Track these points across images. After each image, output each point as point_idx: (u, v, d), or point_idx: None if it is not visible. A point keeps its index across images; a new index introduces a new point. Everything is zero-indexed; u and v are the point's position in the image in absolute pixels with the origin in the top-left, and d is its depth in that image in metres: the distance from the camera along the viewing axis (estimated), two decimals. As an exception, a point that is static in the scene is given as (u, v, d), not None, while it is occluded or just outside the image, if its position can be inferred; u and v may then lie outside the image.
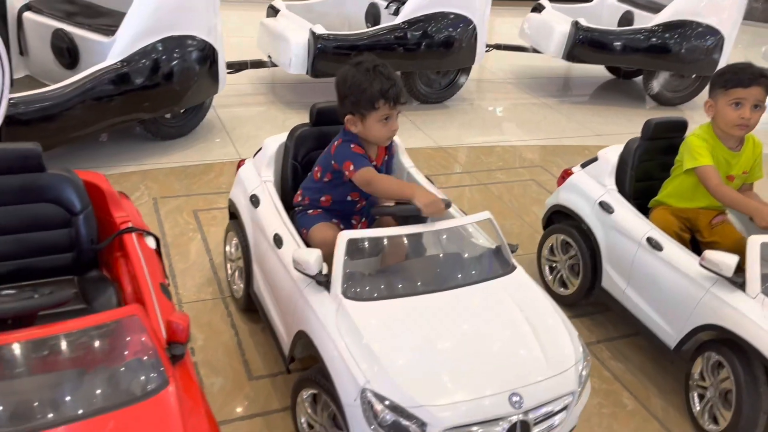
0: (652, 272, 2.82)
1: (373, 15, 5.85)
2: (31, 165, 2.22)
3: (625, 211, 3.01)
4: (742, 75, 2.78)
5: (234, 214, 2.95)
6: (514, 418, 1.94)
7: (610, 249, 3.05)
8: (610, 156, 3.20)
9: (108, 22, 4.19)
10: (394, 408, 1.89)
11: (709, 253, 2.54)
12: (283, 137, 2.85)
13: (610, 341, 3.13)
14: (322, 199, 2.59)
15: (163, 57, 4.14)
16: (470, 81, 6.13)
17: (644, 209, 3.07)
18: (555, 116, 5.99)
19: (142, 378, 1.67)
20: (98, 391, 1.64)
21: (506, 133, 5.58)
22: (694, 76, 6.24)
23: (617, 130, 5.72)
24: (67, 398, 1.61)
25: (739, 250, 2.55)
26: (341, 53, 5.08)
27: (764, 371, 2.40)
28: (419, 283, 2.25)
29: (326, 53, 5.08)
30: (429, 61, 5.52)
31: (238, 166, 3.04)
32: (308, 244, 2.51)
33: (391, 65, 2.48)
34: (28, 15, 4.42)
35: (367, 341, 2.00)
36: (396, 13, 5.47)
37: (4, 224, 2.20)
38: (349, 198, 2.59)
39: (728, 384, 2.49)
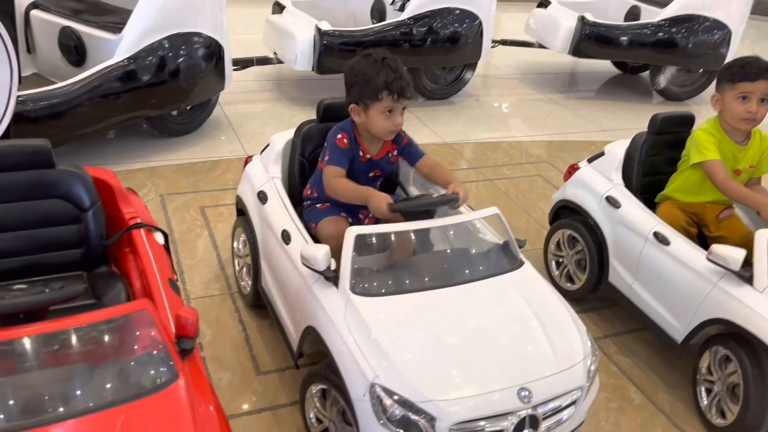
0: (659, 267, 2.81)
1: (378, 11, 5.84)
2: (40, 161, 2.24)
3: (632, 206, 3.01)
4: (749, 68, 2.77)
5: (242, 211, 2.96)
6: (523, 413, 1.95)
7: (617, 244, 3.05)
8: (617, 151, 3.19)
9: (115, 20, 4.21)
10: (403, 403, 1.90)
11: (716, 248, 2.53)
12: (290, 134, 2.86)
13: (617, 336, 3.13)
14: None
15: (170, 54, 4.15)
16: (476, 77, 6.12)
17: (651, 204, 3.06)
18: (561, 112, 5.97)
19: (152, 372, 1.68)
20: (109, 385, 1.65)
21: (512, 128, 5.58)
22: (701, 70, 6.22)
23: (624, 125, 5.70)
24: (78, 391, 1.62)
25: (747, 244, 2.55)
26: (347, 49, 5.08)
27: (772, 365, 2.40)
28: (427, 279, 2.25)
29: (332, 49, 5.08)
30: (435, 56, 5.51)
31: (246, 162, 3.05)
32: (316, 238, 2.52)
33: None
34: (35, 13, 4.44)
35: (376, 336, 2.01)
36: (401, 9, 5.47)
37: (14, 220, 2.22)
38: None
39: (736, 378, 2.48)
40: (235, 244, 3.10)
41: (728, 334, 2.55)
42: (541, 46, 6.45)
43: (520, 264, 2.37)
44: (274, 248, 2.61)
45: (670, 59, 6.03)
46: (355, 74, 2.43)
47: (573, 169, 3.38)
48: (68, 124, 3.79)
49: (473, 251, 2.41)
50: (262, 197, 2.76)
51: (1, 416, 1.53)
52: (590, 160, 3.34)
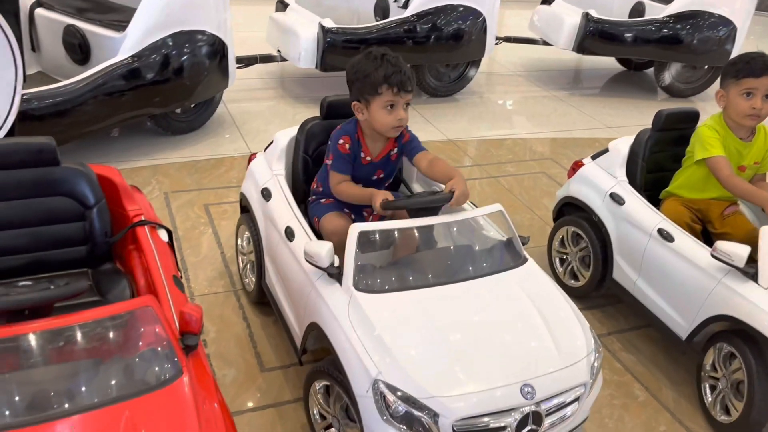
0: (664, 263, 2.81)
1: (382, 8, 5.84)
2: (45, 159, 2.25)
3: (636, 203, 3.00)
4: (754, 64, 2.76)
5: (246, 208, 2.96)
6: (526, 409, 1.94)
7: (621, 240, 3.04)
8: (621, 147, 3.19)
9: (119, 18, 4.22)
10: (407, 399, 1.90)
11: (720, 244, 2.53)
12: (293, 131, 2.86)
13: (622, 333, 3.12)
14: None
15: (174, 52, 4.16)
16: (480, 74, 6.12)
17: (655, 200, 3.06)
18: (565, 109, 5.96)
19: (157, 368, 1.69)
20: (113, 381, 1.66)
21: (516, 126, 5.57)
22: (706, 67, 6.20)
23: (628, 122, 5.69)
24: (83, 388, 1.63)
25: (751, 240, 2.54)
26: (350, 47, 5.08)
27: (776, 362, 2.40)
28: (431, 276, 2.25)
29: (335, 47, 5.09)
30: (438, 54, 5.51)
31: (250, 159, 3.06)
32: (319, 233, 2.52)
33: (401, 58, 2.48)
34: (39, 11, 4.45)
35: (379, 333, 2.02)
36: (405, 6, 5.47)
37: (19, 218, 2.23)
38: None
39: (740, 375, 2.48)
40: (239, 242, 3.11)
41: (733, 331, 2.55)
42: (545, 43, 6.44)
43: (524, 261, 2.36)
44: (277, 245, 2.62)
45: (675, 56, 6.01)
46: (356, 71, 2.44)
47: (577, 165, 3.38)
48: (72, 122, 3.81)
49: (477, 248, 2.41)
50: (266, 194, 2.76)
51: (7, 412, 1.54)
52: (594, 157, 3.33)
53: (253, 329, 2.91)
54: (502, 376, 1.97)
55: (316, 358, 2.44)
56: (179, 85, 4.26)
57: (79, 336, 1.72)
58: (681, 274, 2.73)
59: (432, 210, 2.36)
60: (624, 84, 6.76)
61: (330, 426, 2.24)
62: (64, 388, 1.62)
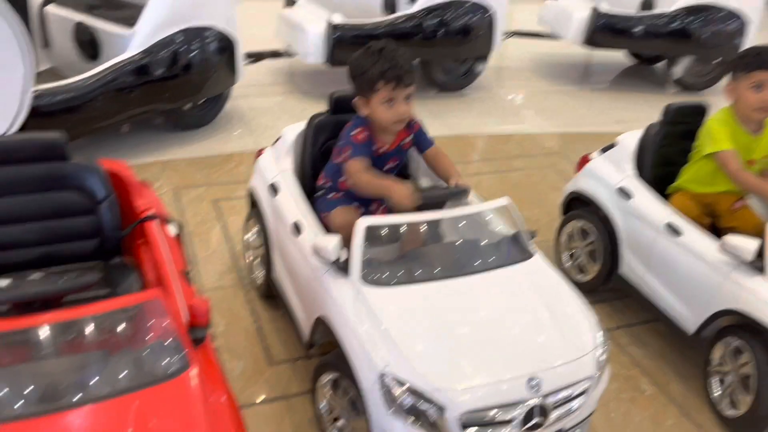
0: (672, 258, 2.80)
1: (390, 3, 5.83)
2: (56, 154, 2.27)
3: (645, 197, 2.99)
4: (764, 57, 2.74)
5: (254, 203, 2.98)
6: (532, 402, 1.95)
7: (629, 235, 3.03)
8: (630, 141, 3.18)
9: (128, 14, 4.24)
10: (413, 392, 1.92)
11: (729, 238, 2.52)
12: (301, 126, 2.87)
13: (629, 327, 3.12)
14: (341, 180, 2.60)
15: (182, 48, 4.19)
16: (488, 69, 6.10)
17: (664, 195, 3.04)
18: (574, 103, 5.94)
19: (165, 360, 1.71)
20: (121, 372, 1.68)
21: (525, 121, 5.56)
22: (716, 61, 6.15)
23: (638, 116, 5.64)
24: (92, 379, 1.65)
25: (760, 235, 2.53)
26: (359, 42, 5.07)
27: (785, 356, 2.39)
28: (438, 269, 2.26)
29: (343, 42, 5.10)
30: (446, 49, 5.51)
31: (258, 155, 3.07)
32: (327, 228, 2.53)
33: (409, 53, 2.45)
34: (50, 8, 4.49)
35: (386, 326, 2.03)
36: (413, 1, 5.46)
37: (30, 212, 2.25)
38: None
39: (748, 369, 2.47)
40: (248, 236, 3.13)
41: (741, 325, 2.54)
42: (554, 38, 6.41)
43: (531, 255, 2.37)
44: (285, 239, 2.63)
45: (685, 49, 5.97)
46: (354, 68, 2.42)
47: (585, 160, 3.37)
48: (83, 118, 3.84)
49: (484, 242, 2.41)
50: (274, 189, 2.78)
51: (18, 403, 1.56)
52: (603, 151, 3.32)
53: (262, 323, 2.93)
54: (508, 369, 1.97)
55: (324, 352, 2.45)
56: (188, 81, 4.28)
57: (88, 328, 1.74)
58: (689, 268, 2.72)
59: (438, 204, 2.36)
60: (634, 78, 6.72)
61: (338, 419, 2.26)
62: (73, 380, 1.65)
